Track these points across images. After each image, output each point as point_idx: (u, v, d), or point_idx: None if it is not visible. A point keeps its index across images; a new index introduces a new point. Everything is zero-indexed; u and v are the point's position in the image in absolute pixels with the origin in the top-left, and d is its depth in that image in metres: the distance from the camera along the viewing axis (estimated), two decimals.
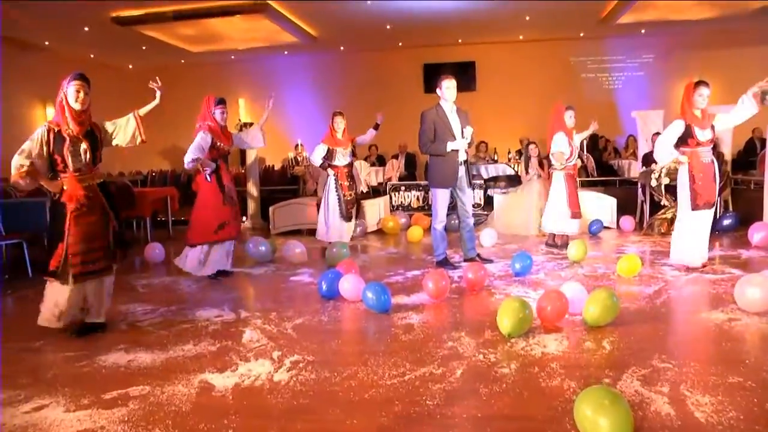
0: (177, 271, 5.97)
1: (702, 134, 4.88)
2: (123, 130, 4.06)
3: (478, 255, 5.79)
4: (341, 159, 6.74)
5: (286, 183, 11.32)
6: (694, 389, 2.60)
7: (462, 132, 5.43)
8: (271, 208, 8.98)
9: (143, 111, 4.15)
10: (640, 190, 8.17)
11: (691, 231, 5.01)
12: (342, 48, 13.97)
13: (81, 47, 12.88)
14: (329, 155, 6.72)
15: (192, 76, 15.24)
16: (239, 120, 14.86)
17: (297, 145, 11.45)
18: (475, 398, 2.64)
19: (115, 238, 3.93)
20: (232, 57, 14.35)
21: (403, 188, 9.76)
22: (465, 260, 5.74)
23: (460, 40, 13.55)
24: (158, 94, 4.35)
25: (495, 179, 10.73)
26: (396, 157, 12.05)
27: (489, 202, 9.54)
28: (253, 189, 9.89)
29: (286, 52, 13.99)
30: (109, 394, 2.80)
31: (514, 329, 3.39)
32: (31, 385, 2.95)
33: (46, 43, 12.32)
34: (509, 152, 12.05)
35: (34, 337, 3.76)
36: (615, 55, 13.79)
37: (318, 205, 8.52)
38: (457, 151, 5.41)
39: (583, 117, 12.89)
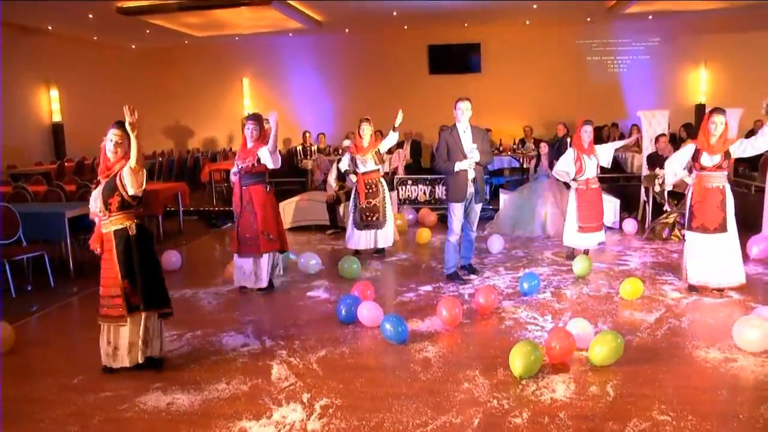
0: (194, 281, 6.21)
1: (708, 160, 5.03)
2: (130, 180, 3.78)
3: (470, 265, 6.14)
4: (361, 166, 6.87)
5: (292, 171, 11.41)
6: None
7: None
8: (281, 204, 9.14)
9: (132, 159, 3.72)
10: (643, 191, 8.36)
11: (692, 249, 5.21)
12: (347, 30, 13.90)
13: (84, 31, 12.84)
14: (353, 162, 6.90)
15: (195, 56, 15.24)
16: (246, 113, 14.87)
17: (304, 134, 11.52)
18: None
19: (129, 289, 3.84)
20: (236, 39, 14.28)
21: (410, 182, 9.93)
22: (460, 266, 6.09)
23: (466, 24, 13.48)
24: (133, 137, 3.68)
25: (499, 171, 10.90)
26: (401, 145, 12.13)
27: (495, 194, 9.73)
28: None
29: (290, 34, 13.92)
30: None
31: (525, 371, 3.65)
32: None
33: (49, 27, 12.27)
34: (514, 141, 12.13)
35: (71, 372, 4.00)
36: (621, 38, 13.75)
37: (327, 202, 8.76)
38: (466, 170, 5.62)
39: (588, 100, 13.06)
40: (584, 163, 6.22)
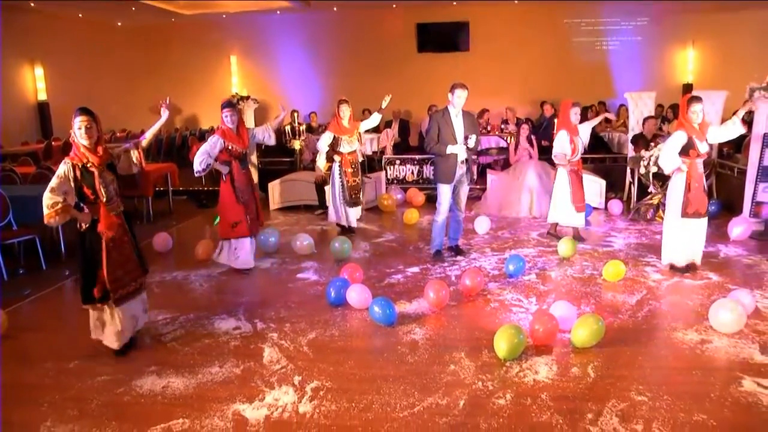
0: (186, 263, 6.27)
1: (701, 146, 5.14)
2: (125, 160, 4.14)
3: (457, 246, 6.28)
4: (346, 146, 6.98)
5: (281, 151, 11.37)
6: (664, 428, 3.02)
7: (465, 137, 5.72)
8: (270, 185, 9.20)
9: (146, 139, 4.30)
10: (628, 173, 8.48)
11: (679, 236, 5.31)
12: (335, 9, 13.79)
13: (68, 7, 12.62)
14: (335, 143, 6.95)
15: (182, 34, 15.06)
16: (234, 90, 14.73)
17: (293, 113, 11.47)
18: None
19: (141, 259, 4.26)
20: (224, 17, 14.12)
21: (398, 162, 9.99)
22: (447, 247, 6.26)
23: (454, 3, 13.40)
24: (165, 113, 4.48)
25: (486, 150, 10.97)
26: (389, 125, 12.14)
27: (482, 174, 9.81)
28: (253, 158, 9.99)
29: (278, 12, 13.79)
30: (153, 429, 3.17)
31: (509, 354, 3.78)
32: (80, 418, 3.30)
33: (32, 4, 12.05)
34: (502, 121, 12.18)
35: (67, 356, 4.07)
36: (609, 17, 13.73)
37: (316, 183, 8.80)
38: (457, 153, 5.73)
39: (576, 79, 13.08)
40: (576, 144, 6.34)
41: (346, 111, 6.89)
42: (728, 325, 4.04)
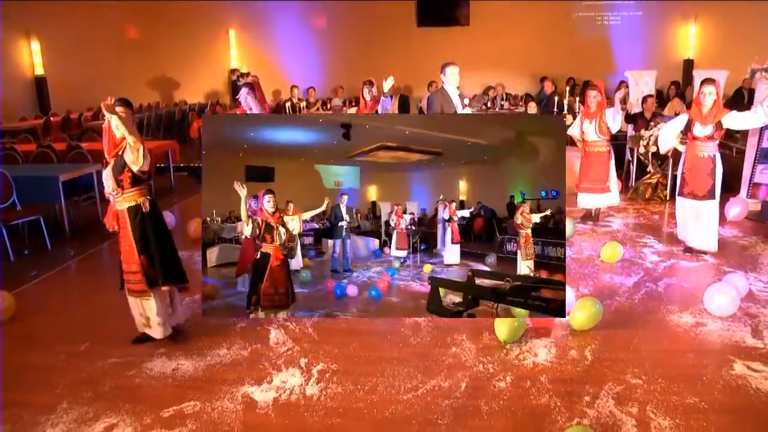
0: (189, 243, 6.34)
1: (700, 130, 5.18)
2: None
3: None
4: None
5: None
6: (658, 411, 3.14)
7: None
8: None
9: (129, 139, 3.77)
10: (628, 152, 8.52)
11: (680, 212, 5.56)
12: None
13: None
14: None
15: (180, 6, 14.86)
16: (233, 65, 14.66)
17: (292, 89, 11.44)
18: (478, 417, 3.16)
19: (146, 265, 3.93)
20: None
21: None
22: None
23: None
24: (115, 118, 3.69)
25: None
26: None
27: None
28: None
29: None
30: (166, 411, 3.27)
31: (509, 336, 3.89)
32: (94, 400, 3.41)
33: None
34: (501, 98, 12.16)
35: (77, 339, 4.16)
36: None
37: None
38: None
39: (577, 55, 13.00)
40: (584, 127, 6.38)
41: (366, 93, 6.95)
42: (722, 308, 4.14)
